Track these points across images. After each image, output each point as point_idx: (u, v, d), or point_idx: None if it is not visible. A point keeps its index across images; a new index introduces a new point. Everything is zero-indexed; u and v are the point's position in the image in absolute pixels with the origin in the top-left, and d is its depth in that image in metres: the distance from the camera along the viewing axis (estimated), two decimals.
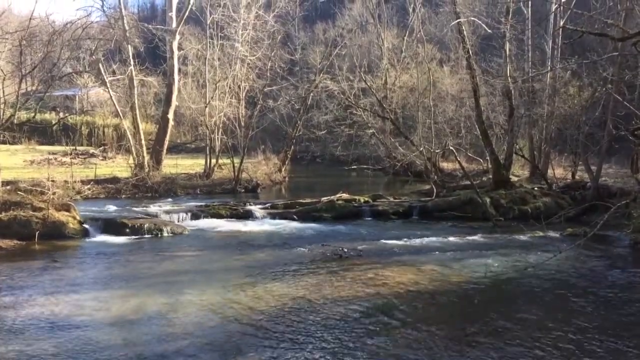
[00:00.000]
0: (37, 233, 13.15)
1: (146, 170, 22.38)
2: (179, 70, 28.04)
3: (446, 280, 10.33)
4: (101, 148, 35.44)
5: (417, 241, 13.87)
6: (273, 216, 16.80)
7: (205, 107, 26.15)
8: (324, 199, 17.86)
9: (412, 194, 21.52)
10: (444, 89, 31.81)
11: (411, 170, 27.27)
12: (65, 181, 17.15)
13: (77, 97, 45.70)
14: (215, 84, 26.45)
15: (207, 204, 17.76)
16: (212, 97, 26.30)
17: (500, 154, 21.59)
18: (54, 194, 14.40)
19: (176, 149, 37.48)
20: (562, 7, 20.06)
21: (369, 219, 17.33)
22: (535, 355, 6.89)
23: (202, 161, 26.57)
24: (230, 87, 26.91)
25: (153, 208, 17.17)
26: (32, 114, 23.27)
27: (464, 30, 21.08)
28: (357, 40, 42.69)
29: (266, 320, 8.03)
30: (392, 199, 18.92)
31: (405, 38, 37.40)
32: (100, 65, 24.12)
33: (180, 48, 27.30)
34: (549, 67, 21.97)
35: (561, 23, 21.40)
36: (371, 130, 29.82)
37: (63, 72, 23.28)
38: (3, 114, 33.78)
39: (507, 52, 20.63)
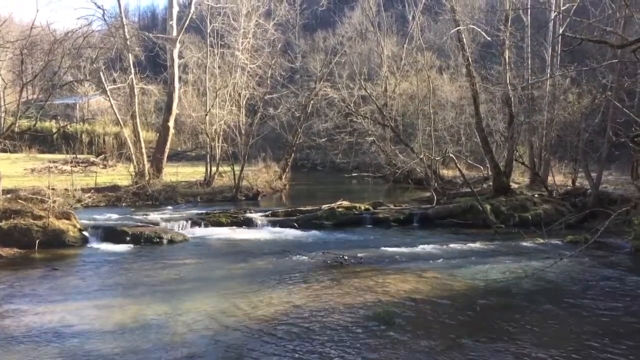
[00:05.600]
0: (37, 241, 13.13)
1: (147, 178, 22.40)
2: (180, 78, 28.12)
3: (447, 287, 10.31)
4: (101, 156, 35.46)
5: (417, 248, 13.86)
6: (273, 224, 16.80)
7: (206, 115, 26.21)
8: (325, 206, 17.85)
9: (412, 201, 21.52)
10: (444, 96, 31.87)
11: (411, 178, 27.28)
12: (66, 189, 17.15)
13: (77, 105, 45.83)
14: (216, 92, 26.52)
15: (207, 211, 17.75)
16: (212, 105, 26.36)
17: (501, 161, 21.62)
18: (54, 202, 14.39)
19: (177, 157, 37.49)
20: (561, 15, 20.13)
21: (370, 226, 17.33)
22: None
23: (203, 169, 26.60)
24: (230, 95, 26.97)
25: (153, 216, 17.16)
26: (33, 123, 23.33)
27: (464, 37, 21.16)
28: (357, 48, 42.85)
29: (267, 328, 8.01)
30: (392, 207, 18.91)
31: (405, 46, 37.56)
32: (101, 73, 24.18)
33: (180, 56, 27.41)
34: (548, 75, 22.02)
35: (560, 30, 21.48)
36: (371, 138, 29.85)
37: (64, 81, 23.23)
38: (4, 123, 33.86)
39: (507, 60, 20.70)
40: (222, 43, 28.74)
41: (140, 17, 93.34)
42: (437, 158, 23.91)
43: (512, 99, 20.83)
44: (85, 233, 14.24)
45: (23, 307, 8.90)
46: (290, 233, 15.99)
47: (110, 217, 16.95)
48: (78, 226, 14.29)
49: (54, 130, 37.38)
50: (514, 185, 21.79)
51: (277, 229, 16.38)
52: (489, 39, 22.31)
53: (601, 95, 18.55)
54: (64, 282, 10.56)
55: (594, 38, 10.27)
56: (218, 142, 26.26)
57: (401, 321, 8.34)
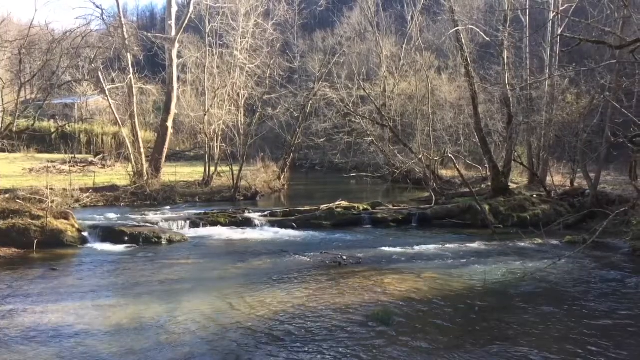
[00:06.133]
0: (35, 241, 13.11)
1: (145, 178, 22.38)
2: (178, 78, 28.10)
3: (445, 287, 10.31)
4: (100, 156, 35.42)
5: (416, 249, 13.86)
6: (272, 224, 16.79)
7: (205, 115, 26.19)
8: (323, 206, 17.85)
9: (411, 201, 21.52)
10: (443, 96, 31.89)
11: (410, 178, 27.28)
12: (64, 189, 17.08)
13: (76, 105, 45.85)
14: (215, 92, 26.50)
15: (206, 211, 17.74)
16: (211, 105, 26.34)
17: (499, 161, 21.62)
18: (52, 202, 14.37)
19: (175, 157, 37.48)
20: (560, 15, 20.15)
21: (368, 226, 17.33)
22: None
23: (201, 169, 26.58)
24: (229, 95, 26.96)
25: (152, 216, 17.15)
26: (31, 122, 23.27)
27: (462, 38, 21.17)
28: (356, 48, 42.83)
29: (265, 328, 8.00)
30: (391, 207, 18.91)
31: (404, 46, 37.58)
32: (100, 73, 24.18)
33: (179, 56, 27.39)
34: (547, 75, 22.05)
35: (559, 31, 21.52)
36: (370, 138, 29.87)
37: (62, 81, 23.31)
38: (2, 122, 33.71)
39: (506, 60, 20.69)
40: (221, 43, 28.76)
41: (138, 16, 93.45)
42: (435, 158, 23.93)
43: (511, 99, 20.83)
44: (84, 233, 14.22)
45: (21, 307, 8.88)
46: (289, 233, 15.98)
47: (109, 217, 16.94)
48: (76, 226, 14.27)
49: (53, 130, 37.34)
50: (512, 186, 21.81)
51: (276, 229, 16.36)
52: (487, 39, 22.30)
53: (600, 96, 18.57)
54: (62, 282, 10.54)
55: (592, 38, 10.29)
56: (217, 142, 26.26)
57: (399, 322, 8.34)
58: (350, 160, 35.33)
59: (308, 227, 16.63)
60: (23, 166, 28.79)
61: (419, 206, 19.51)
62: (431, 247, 14.04)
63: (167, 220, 16.39)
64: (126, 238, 14.10)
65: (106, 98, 24.84)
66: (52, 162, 31.07)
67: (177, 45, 25.38)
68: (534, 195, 19.56)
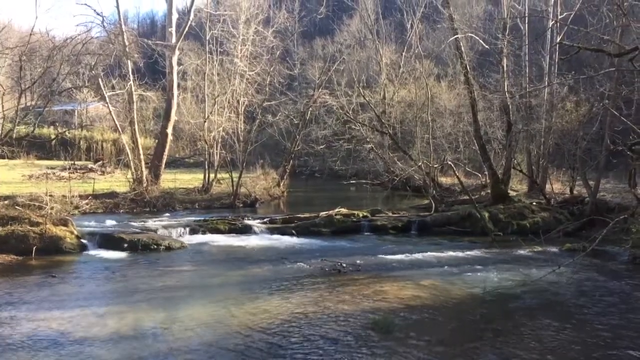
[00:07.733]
0: (34, 248, 13.08)
1: (144, 185, 22.38)
2: (178, 85, 28.15)
3: (445, 295, 10.28)
4: (99, 163, 35.44)
5: (415, 256, 13.83)
6: (271, 231, 16.77)
7: (204, 121, 26.24)
8: (323, 213, 17.84)
9: (410, 208, 21.52)
10: (442, 104, 31.93)
11: (410, 185, 27.29)
12: (63, 196, 17.07)
13: (76, 111, 45.92)
14: (214, 99, 26.55)
15: (205, 218, 17.73)
16: (211, 112, 26.39)
17: (499, 168, 21.63)
18: (51, 208, 14.35)
19: (175, 164, 37.49)
20: (558, 24, 20.21)
21: (368, 233, 17.30)
22: None
23: (201, 176, 26.60)
24: (229, 102, 27.02)
25: (151, 223, 17.13)
26: (31, 129, 23.30)
27: (462, 46, 21.23)
28: (356, 56, 42.97)
29: (264, 336, 7.98)
30: (390, 214, 18.90)
31: (404, 53, 37.74)
32: (100, 80, 24.23)
33: (179, 63, 27.45)
34: (546, 83, 22.13)
35: (558, 39, 21.48)
36: (370, 145, 29.87)
37: (62, 87, 23.36)
38: (2, 129, 33.73)
39: (505, 68, 20.75)
40: (221, 50, 28.85)
41: (139, 24, 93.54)
42: (435, 165, 23.91)
43: (510, 106, 20.87)
44: (83, 240, 14.19)
45: (20, 314, 8.85)
46: (288, 240, 15.96)
47: (108, 224, 16.91)
48: (75, 233, 14.25)
49: (52, 136, 37.37)
50: (512, 193, 21.79)
51: (275, 236, 16.35)
52: (487, 47, 22.36)
53: (599, 104, 18.61)
54: (61, 289, 10.52)
55: (591, 46, 10.32)
56: (216, 149, 26.29)
57: (399, 329, 8.31)
58: (350, 167, 35.38)
59: (307, 234, 16.62)
60: (22, 173, 28.81)
61: (418, 213, 19.50)
62: (431, 255, 14.01)
63: (166, 227, 16.36)
64: (125, 245, 14.07)
65: (106, 105, 24.89)
66: (51, 168, 31.08)
67: (177, 52, 25.46)
68: (534, 203, 19.55)
